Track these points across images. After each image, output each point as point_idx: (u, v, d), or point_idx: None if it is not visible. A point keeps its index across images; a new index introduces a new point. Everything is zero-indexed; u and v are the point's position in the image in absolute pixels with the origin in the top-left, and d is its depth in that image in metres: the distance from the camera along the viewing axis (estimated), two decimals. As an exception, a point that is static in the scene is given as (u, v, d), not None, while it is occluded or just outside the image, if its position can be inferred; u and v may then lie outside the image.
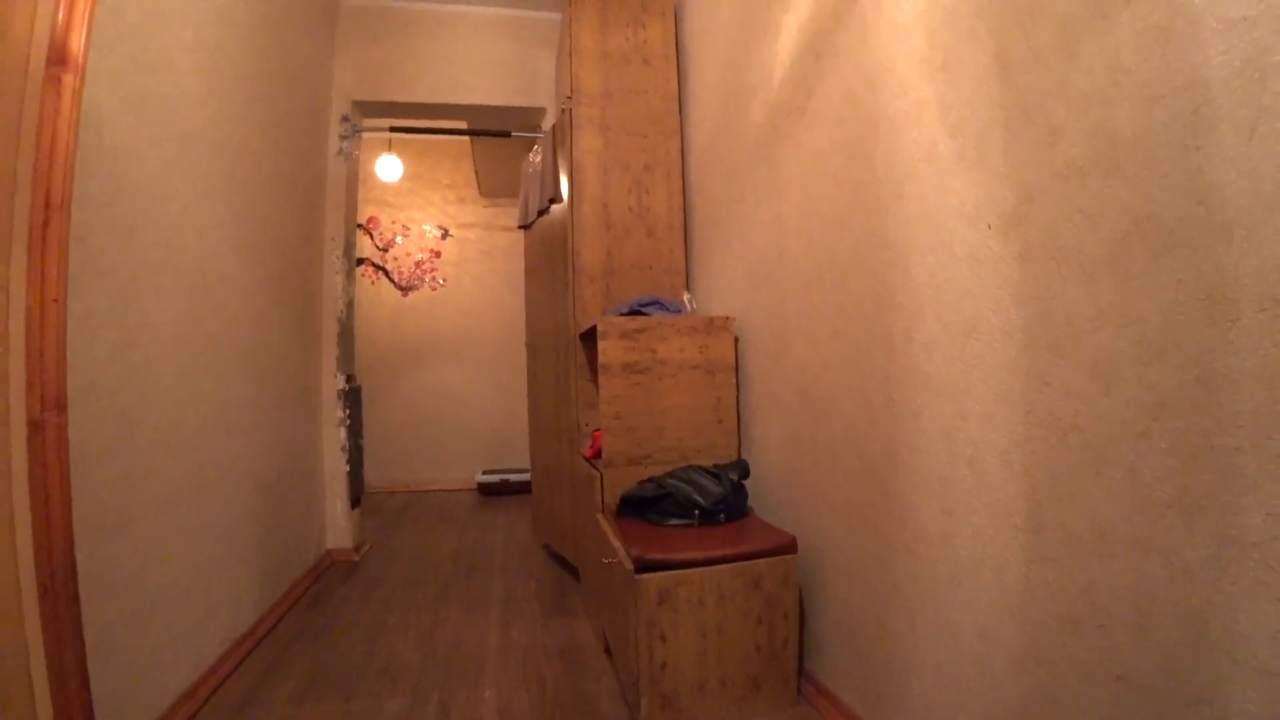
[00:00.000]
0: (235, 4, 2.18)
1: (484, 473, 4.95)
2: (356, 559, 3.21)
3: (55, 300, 1.26)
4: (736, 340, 2.05)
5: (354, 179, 3.48)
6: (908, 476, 1.26)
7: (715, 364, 2.01)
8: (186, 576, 1.79)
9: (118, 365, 1.50)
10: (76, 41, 1.35)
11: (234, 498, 2.12)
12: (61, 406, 1.28)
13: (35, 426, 1.24)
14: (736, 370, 2.05)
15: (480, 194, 5.34)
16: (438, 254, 5.26)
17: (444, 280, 5.24)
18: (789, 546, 1.57)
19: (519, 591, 2.69)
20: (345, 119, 3.37)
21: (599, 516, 1.89)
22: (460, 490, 5.04)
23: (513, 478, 4.85)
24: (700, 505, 1.69)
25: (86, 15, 1.38)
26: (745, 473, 1.82)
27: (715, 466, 1.85)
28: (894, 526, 1.31)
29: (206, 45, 1.97)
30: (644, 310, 2.08)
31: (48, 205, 1.25)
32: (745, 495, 1.80)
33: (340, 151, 3.31)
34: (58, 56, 1.31)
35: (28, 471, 1.24)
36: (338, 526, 3.20)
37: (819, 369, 1.60)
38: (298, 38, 2.82)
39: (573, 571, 2.81)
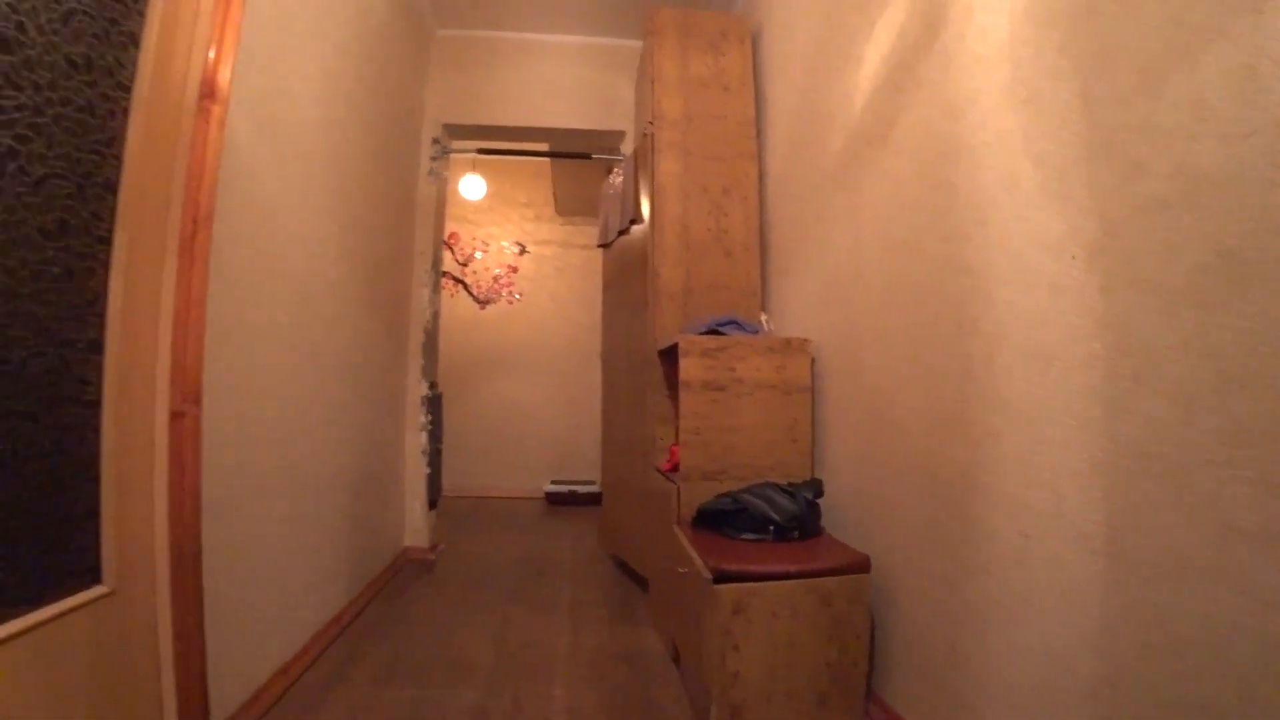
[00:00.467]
0: (348, 38, 2.38)
1: (552, 482, 5.07)
2: (432, 558, 3.36)
3: (198, 304, 1.42)
4: (813, 361, 2.09)
5: (442, 197, 3.68)
6: (983, 498, 1.28)
7: (791, 384, 2.05)
8: (285, 560, 1.94)
9: (240, 364, 1.66)
10: (223, 76, 1.52)
11: (327, 491, 2.27)
12: (198, 399, 1.44)
13: (176, 416, 1.40)
14: (812, 390, 2.09)
15: (556, 212, 5.52)
16: (515, 269, 5.46)
17: (520, 295, 5.43)
18: (861, 565, 1.59)
19: (586, 598, 2.77)
20: (436, 141, 3.57)
21: (675, 527, 1.95)
22: (527, 498, 5.18)
23: (580, 489, 4.96)
24: (775, 521, 1.73)
25: (232, 53, 1.56)
26: (819, 491, 1.85)
27: (790, 484, 1.88)
28: (968, 548, 1.32)
29: (323, 76, 2.15)
30: (722, 329, 2.14)
31: (195, 220, 1.42)
32: (819, 513, 1.83)
33: (430, 172, 3.51)
34: (208, 90, 1.49)
35: (168, 455, 1.40)
36: (415, 526, 3.36)
37: (892, 390, 1.63)
38: (397, 67, 3.02)
39: (639, 581, 2.87)
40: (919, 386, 1.51)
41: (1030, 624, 1.15)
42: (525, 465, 5.32)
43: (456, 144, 3.80)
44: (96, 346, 1.28)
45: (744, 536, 1.76)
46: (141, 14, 1.40)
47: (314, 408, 2.15)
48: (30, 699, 1.14)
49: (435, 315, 3.54)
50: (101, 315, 1.28)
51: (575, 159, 3.92)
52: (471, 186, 4.52)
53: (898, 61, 1.65)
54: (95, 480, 1.29)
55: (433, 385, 3.47)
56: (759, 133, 2.74)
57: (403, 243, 3.25)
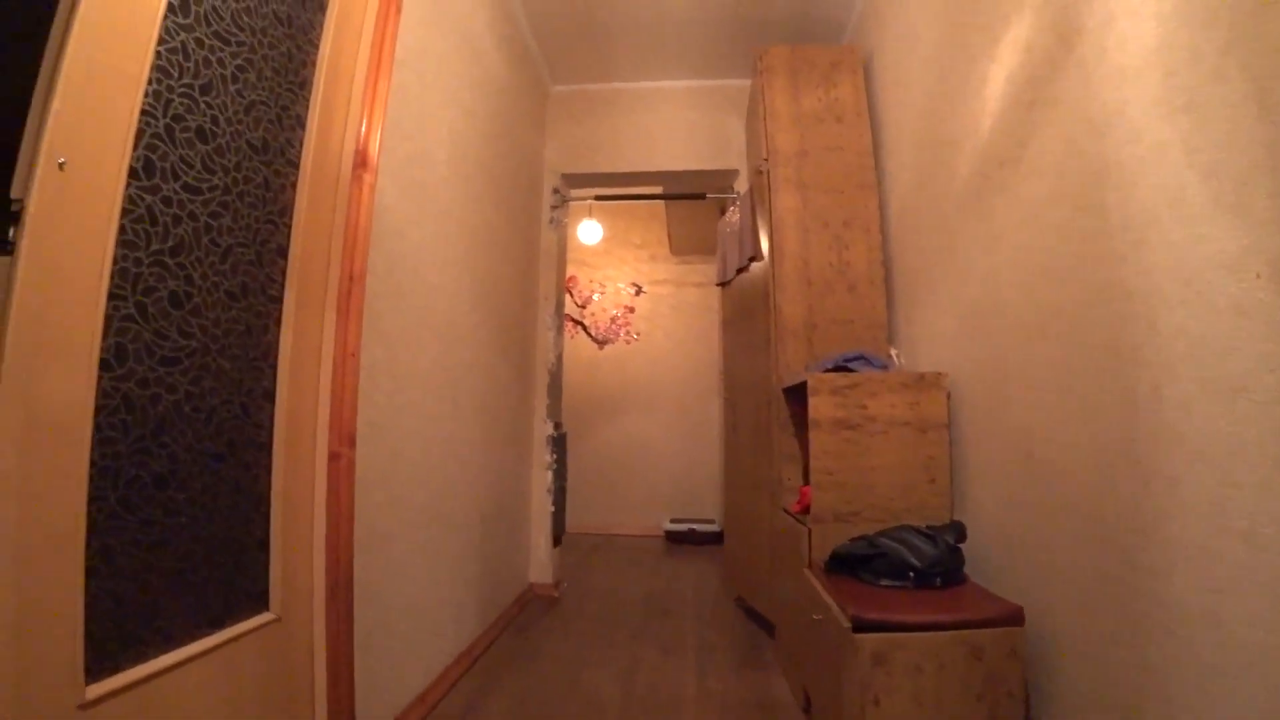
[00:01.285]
0: (475, 103, 2.56)
1: (671, 521, 5.06)
2: (556, 594, 3.43)
3: (353, 354, 1.56)
4: (949, 396, 1.99)
5: (562, 244, 3.85)
6: (1160, 548, 1.15)
7: (926, 421, 1.95)
8: (424, 593, 2.04)
9: (389, 408, 1.79)
10: (373, 147, 1.68)
11: (461, 527, 2.39)
12: (353, 442, 1.57)
13: (333, 457, 1.53)
14: (949, 428, 1.98)
15: (671, 252, 5.61)
16: (631, 309, 5.59)
17: (637, 334, 5.54)
18: (1014, 617, 1.47)
19: (712, 641, 2.72)
20: (555, 191, 3.75)
21: (806, 571, 1.89)
22: (646, 536, 5.19)
23: (700, 528, 4.92)
24: (915, 567, 1.64)
25: (380, 126, 1.72)
26: (962, 536, 1.74)
27: (929, 527, 1.78)
28: (1143, 603, 1.19)
29: (453, 137, 2.33)
30: (849, 366, 2.09)
31: (351, 277, 1.57)
32: (962, 560, 1.71)
33: (551, 220, 3.69)
34: (361, 160, 1.65)
35: (325, 493, 1.53)
36: (540, 562, 3.45)
37: (1043, 428, 1.51)
38: (518, 124, 3.22)
39: (764, 625, 2.79)
40: (1075, 423, 1.39)
41: (1226, 692, 1.01)
42: (644, 503, 5.35)
43: (575, 192, 3.97)
44: (269, 395, 1.43)
45: (881, 583, 1.67)
46: (307, 99, 1.58)
47: (451, 447, 2.28)
48: (212, 711, 1.26)
49: (559, 357, 3.68)
50: (274, 367, 1.44)
51: (689, 199, 3.99)
52: (589, 231, 4.69)
53: (1027, 78, 1.57)
54: (266, 515, 1.43)
55: (557, 425, 3.59)
56: (877, 163, 2.68)
57: (528, 289, 3.42)
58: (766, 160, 2.68)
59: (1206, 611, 1.05)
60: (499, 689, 2.22)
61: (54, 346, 0.96)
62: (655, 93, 3.93)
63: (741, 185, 3.66)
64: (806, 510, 2.08)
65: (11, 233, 0.93)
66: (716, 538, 4.83)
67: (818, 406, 1.96)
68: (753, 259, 2.93)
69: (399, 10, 1.87)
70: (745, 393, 3.05)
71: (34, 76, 0.99)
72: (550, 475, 3.48)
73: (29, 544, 0.92)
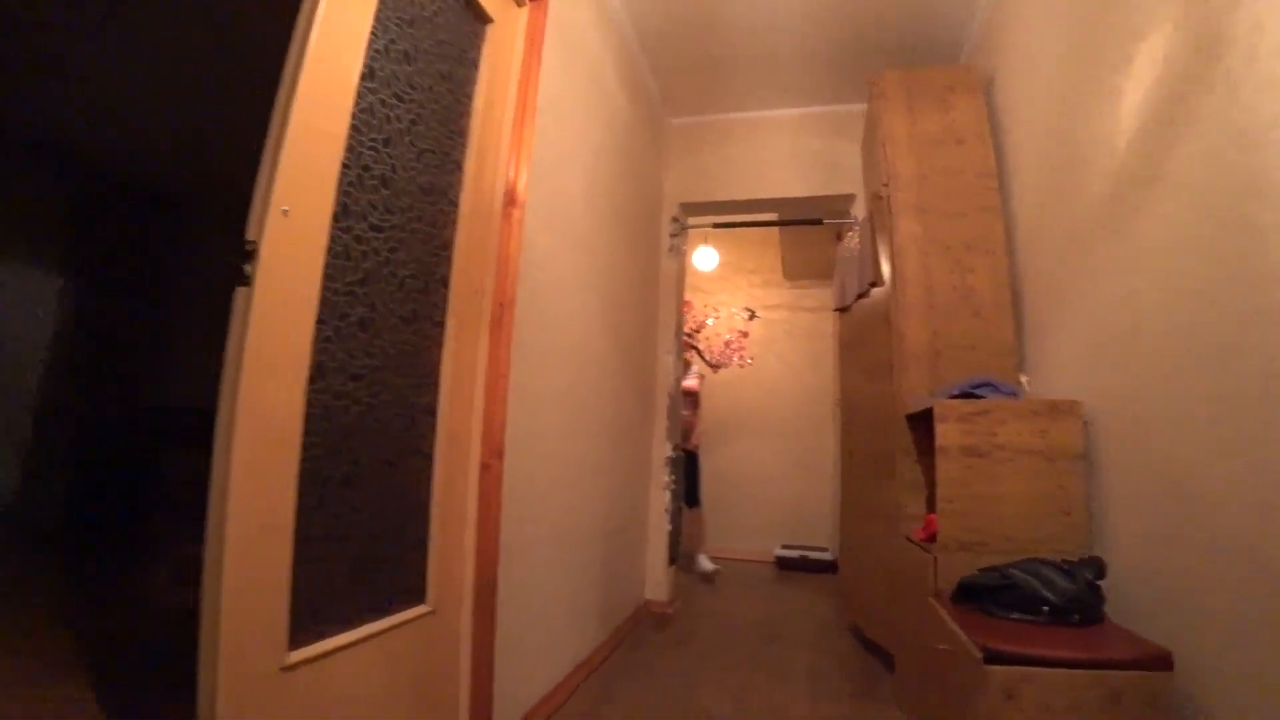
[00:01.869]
0: (603, 140, 2.74)
1: (782, 547, 5.02)
2: (669, 612, 3.49)
3: (503, 375, 1.73)
4: (1085, 425, 1.91)
5: (681, 271, 3.97)
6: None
7: (1058, 450, 1.88)
8: (553, 601, 2.17)
9: (530, 425, 1.95)
10: (521, 186, 1.86)
11: (586, 541, 2.51)
12: (501, 454, 1.73)
13: (484, 468, 1.69)
14: (1084, 458, 1.90)
15: (784, 277, 5.62)
16: (745, 334, 5.63)
17: (751, 359, 5.56)
18: (1161, 661, 1.38)
19: (825, 669, 2.69)
20: (674, 220, 3.89)
21: (932, 601, 1.86)
22: (757, 561, 5.16)
23: (812, 554, 4.85)
24: (1050, 601, 1.57)
25: (526, 166, 1.90)
26: (1101, 572, 1.65)
27: (1064, 561, 1.71)
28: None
29: (587, 175, 2.50)
30: (976, 392, 2.05)
31: (501, 304, 1.74)
32: (1101, 598, 1.63)
33: (670, 248, 3.82)
34: (510, 198, 1.83)
35: (477, 500, 1.69)
36: (655, 580, 3.53)
37: (1192, 461, 1.43)
38: (640, 157, 3.38)
39: (880, 655, 2.73)
40: (1229, 455, 1.32)
41: None
42: (755, 528, 5.33)
43: (692, 220, 4.09)
44: (431, 410, 1.61)
45: (1012, 616, 1.61)
46: (464, 145, 1.78)
47: (582, 466, 2.42)
48: (374, 689, 1.42)
49: (677, 381, 3.79)
50: (436, 384, 1.62)
51: (805, 225, 4.01)
52: (704, 258, 4.80)
53: (1166, 93, 1.52)
54: (426, 518, 1.60)
55: (675, 447, 3.68)
56: (1001, 185, 2.61)
57: (649, 314, 3.56)
58: (886, 185, 2.68)
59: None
60: (615, 700, 2.30)
61: (278, 364, 1.15)
62: (769, 121, 4.00)
63: (858, 210, 3.65)
64: (931, 538, 2.05)
65: (248, 269, 1.12)
66: (829, 565, 4.74)
67: (945, 433, 1.93)
68: (873, 284, 2.92)
69: (539, 62, 2.06)
70: (864, 419, 3.03)
71: (262, 141, 1.20)
72: (668, 496, 3.57)
73: (255, 528, 1.10)
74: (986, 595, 1.70)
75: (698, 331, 5.70)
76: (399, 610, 1.52)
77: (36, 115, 4.15)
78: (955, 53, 3.28)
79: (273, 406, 1.14)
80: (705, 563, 4.60)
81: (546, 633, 2.14)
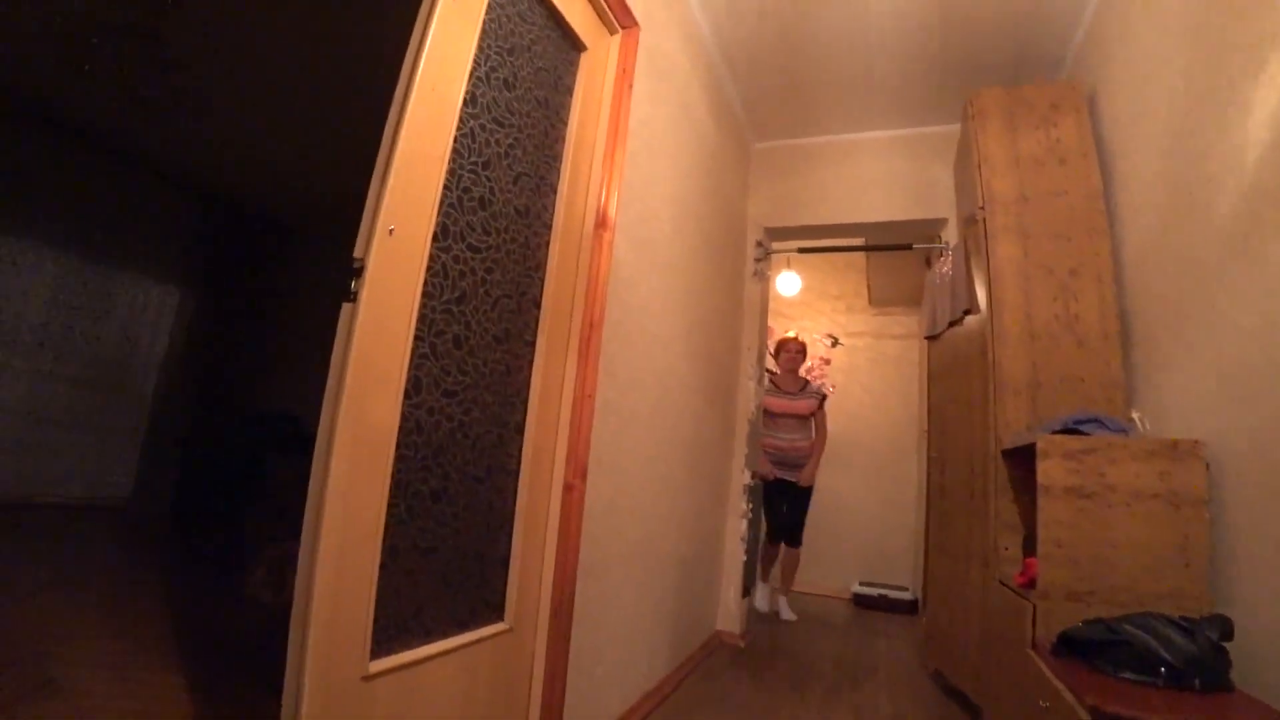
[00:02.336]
0: (691, 165, 2.75)
1: (860, 584, 4.83)
2: (742, 644, 3.40)
3: (590, 395, 1.73)
4: (1208, 468, 1.75)
5: (765, 295, 3.93)
6: None
7: (1180, 495, 1.72)
8: (629, 624, 2.15)
9: (615, 445, 1.95)
10: (611, 209, 1.88)
11: (663, 565, 2.48)
12: (584, 475, 1.73)
13: (567, 488, 1.70)
14: (1208, 504, 1.74)
15: (870, 303, 5.48)
16: (827, 361, 5.50)
17: (833, 387, 5.42)
18: (1304, 737, 1.24)
19: (907, 712, 2.56)
20: (758, 244, 3.85)
21: (1030, 652, 1.74)
22: (833, 597, 4.98)
23: (891, 594, 4.64)
24: (1168, 662, 1.43)
25: (617, 190, 1.92)
26: (1227, 633, 1.49)
27: (1183, 618, 1.56)
28: None
29: (675, 198, 2.51)
30: (1081, 429, 1.91)
31: (590, 325, 1.75)
32: (1228, 662, 1.47)
33: (754, 272, 3.78)
34: (600, 221, 1.85)
35: (558, 520, 1.69)
36: (728, 610, 3.45)
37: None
38: (725, 181, 3.38)
39: (966, 705, 2.57)
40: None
41: None
42: (833, 562, 5.15)
43: (776, 244, 4.05)
44: (520, 428, 1.63)
45: (1123, 675, 1.47)
46: (558, 168, 1.81)
47: (664, 488, 2.41)
48: (449, 704, 1.43)
49: (759, 407, 3.73)
50: (525, 403, 1.64)
51: (894, 250, 3.90)
52: (787, 283, 4.73)
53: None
54: (509, 535, 1.61)
55: (754, 475, 3.61)
56: (1108, 206, 2.46)
57: (733, 339, 3.53)
58: (982, 208, 2.57)
59: None
60: (691, 730, 2.25)
61: (377, 377, 1.19)
62: (856, 144, 3.92)
63: (949, 234, 3.52)
64: (1030, 584, 1.91)
65: (354, 285, 1.17)
66: (909, 606, 4.52)
67: (1048, 471, 1.81)
68: (967, 311, 2.80)
69: (630, 89, 2.09)
70: (955, 453, 2.88)
71: (366, 169, 1.25)
72: (745, 524, 3.50)
73: (347, 536, 1.13)
74: (1092, 650, 1.57)
75: (776, 356, 5.61)
76: (478, 626, 1.53)
77: (168, 145, 4.55)
78: (1056, 69, 3.14)
79: (371, 419, 1.18)
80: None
81: (619, 655, 2.11)
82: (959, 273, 2.89)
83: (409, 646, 1.33)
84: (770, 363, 5.57)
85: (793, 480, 4.08)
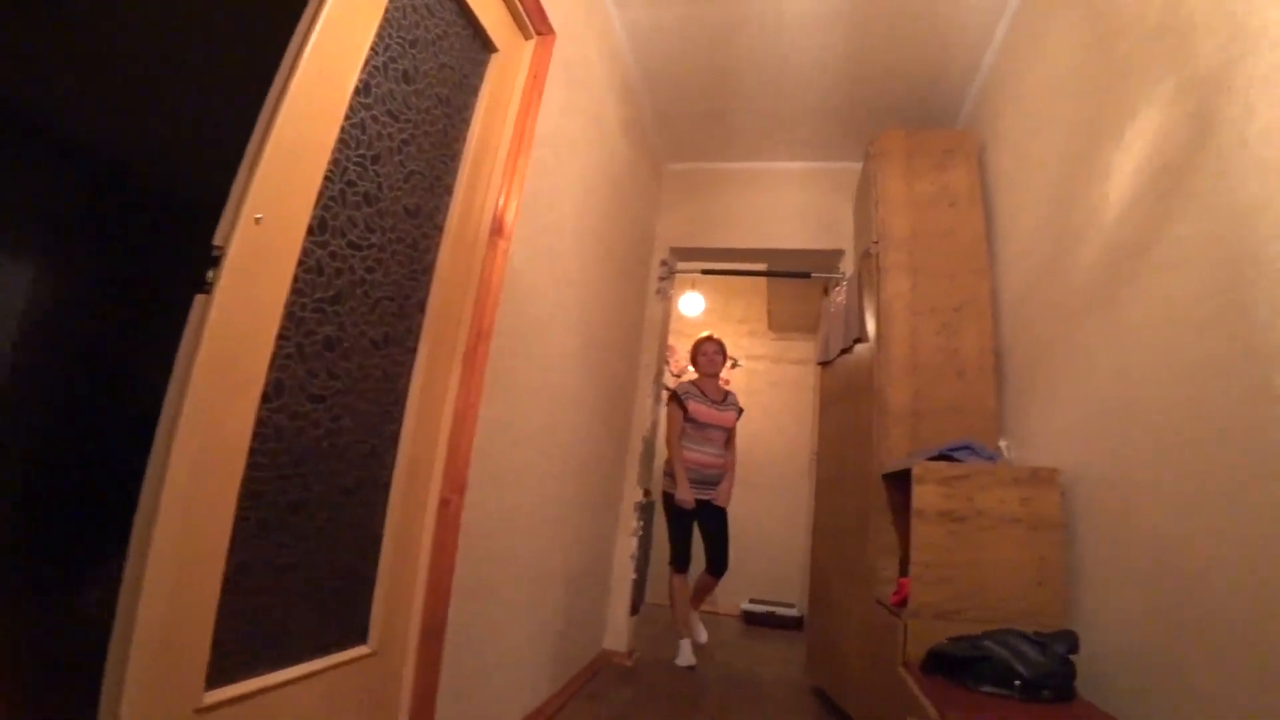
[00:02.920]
0: (599, 179, 2.73)
1: (750, 601, 4.91)
2: (629, 664, 3.36)
3: (473, 407, 1.66)
4: (1062, 494, 1.88)
5: (666, 315, 3.95)
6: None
7: (1039, 519, 1.84)
8: (510, 647, 2.07)
9: (504, 463, 1.88)
10: (509, 217, 1.82)
11: (550, 585, 2.42)
12: (463, 490, 1.65)
13: (443, 503, 1.61)
14: (1063, 528, 1.86)
15: (769, 328, 5.62)
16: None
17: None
18: (1139, 747, 1.34)
19: (791, 734, 2.60)
20: (663, 263, 3.87)
21: (901, 670, 1.79)
22: (723, 615, 5.04)
23: (779, 611, 4.74)
24: (1021, 675, 1.52)
25: (517, 198, 1.86)
26: (1074, 647, 1.60)
27: (1038, 634, 1.66)
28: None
29: (579, 212, 2.48)
30: (955, 455, 2.01)
31: (478, 334, 1.68)
32: (1074, 673, 1.58)
33: (658, 291, 3.80)
34: (497, 227, 1.79)
35: (433, 538, 1.60)
36: (616, 629, 3.41)
37: (1182, 538, 1.40)
38: (636, 198, 3.38)
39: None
40: (1221, 536, 1.28)
41: None
42: (724, 581, 5.19)
43: (681, 265, 4.09)
44: (395, 438, 1.53)
45: (983, 689, 1.55)
46: (456, 170, 1.74)
47: (555, 507, 2.34)
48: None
49: (654, 425, 3.73)
50: (403, 413, 1.55)
51: (793, 278, 4.02)
52: (691, 303, 4.79)
53: (1159, 168, 1.53)
54: (377, 553, 1.51)
55: (646, 493, 3.60)
56: (990, 249, 2.63)
57: (632, 356, 3.52)
58: (877, 243, 2.68)
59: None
60: (569, 756, 2.19)
61: (230, 377, 1.08)
62: (766, 172, 4.04)
63: (847, 265, 3.66)
64: (903, 604, 1.98)
65: (210, 275, 1.06)
66: (796, 622, 4.64)
67: (922, 496, 1.89)
68: (857, 340, 2.91)
69: (540, 96, 2.05)
70: (842, 476, 2.97)
71: (243, 145, 1.15)
72: (635, 542, 3.48)
73: (186, 555, 1.02)
74: (958, 666, 1.64)
75: (679, 376, 5.66)
76: (338, 650, 1.42)
77: (27, 93, 4.06)
78: (953, 118, 3.34)
79: (220, 422, 1.07)
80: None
81: (501, 678, 2.03)
82: (852, 303, 3.00)
83: (257, 673, 1.21)
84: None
85: (708, 499, 3.53)
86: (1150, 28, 1.62)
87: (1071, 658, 1.59)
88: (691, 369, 3.95)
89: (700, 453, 3.52)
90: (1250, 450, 1.23)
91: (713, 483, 3.56)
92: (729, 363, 5.58)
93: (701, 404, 3.55)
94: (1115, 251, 1.72)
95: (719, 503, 3.57)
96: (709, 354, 3.68)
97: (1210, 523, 1.32)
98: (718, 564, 3.53)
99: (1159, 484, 1.49)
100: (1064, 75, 2.12)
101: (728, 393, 3.76)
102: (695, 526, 3.55)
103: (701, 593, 3.64)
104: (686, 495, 3.38)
